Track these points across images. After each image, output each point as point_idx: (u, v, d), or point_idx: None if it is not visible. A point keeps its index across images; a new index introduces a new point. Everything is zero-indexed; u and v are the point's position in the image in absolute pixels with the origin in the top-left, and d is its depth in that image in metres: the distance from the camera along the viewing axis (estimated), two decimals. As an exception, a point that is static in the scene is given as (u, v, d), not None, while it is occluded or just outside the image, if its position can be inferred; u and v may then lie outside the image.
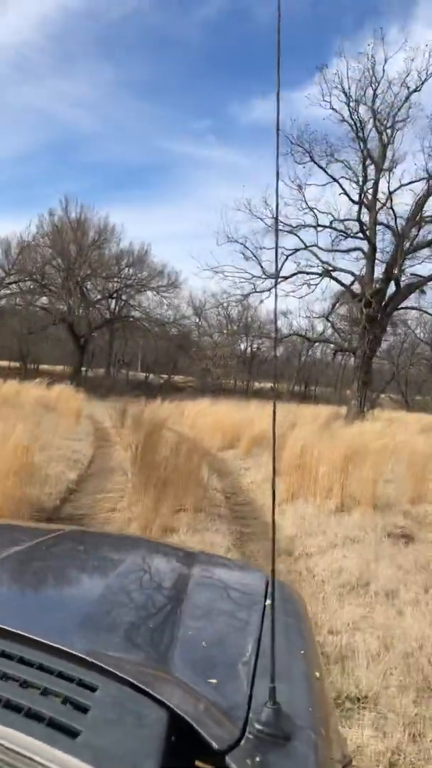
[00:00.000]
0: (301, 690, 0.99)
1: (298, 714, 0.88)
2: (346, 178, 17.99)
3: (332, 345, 22.98)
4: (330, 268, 18.12)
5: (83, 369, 43.58)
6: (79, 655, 0.88)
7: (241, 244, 18.30)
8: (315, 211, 17.98)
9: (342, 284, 17.96)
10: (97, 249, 37.87)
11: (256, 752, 0.77)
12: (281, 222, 17.75)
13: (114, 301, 40.11)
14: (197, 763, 0.75)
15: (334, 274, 18.12)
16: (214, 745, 0.75)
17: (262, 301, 18.36)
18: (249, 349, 54.57)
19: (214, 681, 0.92)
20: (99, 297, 39.22)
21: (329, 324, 22.54)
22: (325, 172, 17.77)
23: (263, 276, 17.93)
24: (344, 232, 17.75)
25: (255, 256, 18.00)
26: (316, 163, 17.68)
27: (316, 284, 18.04)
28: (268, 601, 1.21)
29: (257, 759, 0.76)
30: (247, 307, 34.12)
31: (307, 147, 17.70)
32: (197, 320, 44.10)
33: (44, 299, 38.14)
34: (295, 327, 30.40)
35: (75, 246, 37.14)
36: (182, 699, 0.83)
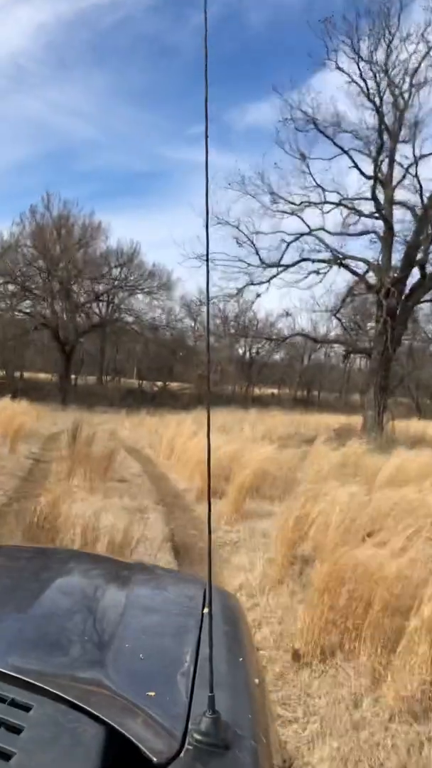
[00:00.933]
0: (240, 697, 0.98)
1: (238, 722, 0.87)
2: (358, 151, 15.38)
3: (343, 346, 20.17)
4: (340, 256, 15.43)
5: (73, 377, 40.94)
6: (12, 674, 0.87)
7: (234, 226, 15.72)
8: (321, 188, 15.28)
9: (355, 273, 15.25)
10: (82, 248, 35.18)
11: (195, 763, 0.77)
12: (283, 200, 15.14)
13: (102, 304, 37.37)
14: None
15: (344, 262, 15.36)
16: (153, 759, 0.74)
17: (259, 295, 15.67)
18: (247, 353, 52.01)
19: (152, 693, 0.92)
20: (85, 300, 36.49)
21: (338, 322, 19.77)
22: (332, 142, 15.12)
23: (261, 265, 15.28)
24: (357, 210, 15.02)
25: (250, 242, 15.32)
26: (321, 131, 15.01)
27: (325, 272, 15.29)
28: (206, 610, 1.12)
29: None
30: (245, 308, 31.43)
31: (310, 112, 15.08)
32: (192, 323, 41.48)
33: (27, 303, 35.39)
34: (296, 327, 27.79)
35: (58, 245, 34.46)
36: (120, 714, 0.82)
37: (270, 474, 7.39)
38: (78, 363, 40.61)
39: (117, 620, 1.17)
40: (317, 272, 15.39)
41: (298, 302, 70.65)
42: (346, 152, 15.13)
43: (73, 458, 7.77)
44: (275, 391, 54.54)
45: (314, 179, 15.17)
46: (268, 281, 15.17)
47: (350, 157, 15.11)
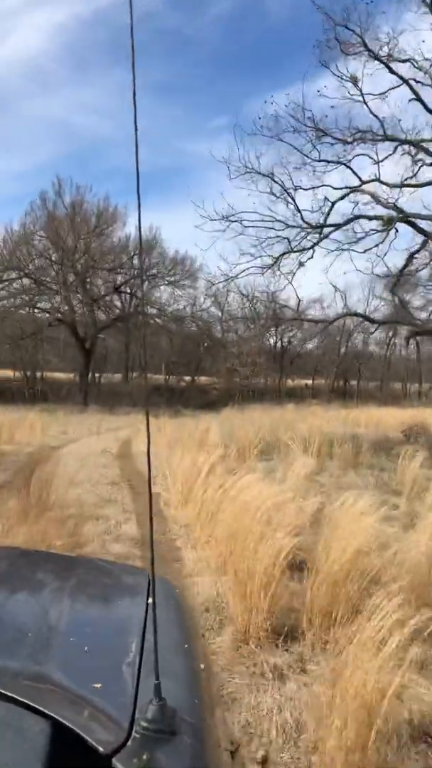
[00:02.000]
0: (186, 684, 1.00)
1: (184, 707, 0.89)
2: (418, 82, 12.16)
3: (407, 326, 16.92)
4: (400, 215, 12.23)
5: (96, 375, 38.50)
6: None
7: (267, 176, 12.30)
8: (378, 121, 11.89)
9: (422, 232, 12.02)
10: (97, 237, 32.50)
11: (143, 750, 0.78)
12: (330, 138, 11.98)
13: (123, 296, 34.67)
14: None
15: (410, 220, 12.12)
16: (100, 749, 0.75)
17: (302, 264, 12.43)
18: (279, 343, 48.86)
19: (98, 685, 0.92)
20: (103, 292, 33.83)
21: (392, 299, 16.53)
22: (387, 67, 11.82)
23: (304, 227, 12.09)
24: (427, 151, 11.71)
25: (289, 196, 12.12)
26: (372, 54, 11.73)
27: (386, 230, 11.98)
28: (150, 599, 1.15)
29: (144, 757, 0.76)
30: (277, 288, 28.00)
31: (359, 31, 11.83)
32: (219, 314, 38.53)
33: (41, 298, 32.90)
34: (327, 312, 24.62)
35: (72, 234, 31.85)
36: (66, 707, 0.83)
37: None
38: (101, 360, 38.17)
39: (61, 615, 1.17)
40: (369, 233, 12.20)
41: (335, 282, 66.66)
42: (405, 81, 11.96)
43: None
44: (308, 382, 51.36)
45: (369, 108, 11.88)
46: (312, 247, 12.08)
47: (411, 88, 11.92)
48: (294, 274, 12.52)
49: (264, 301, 25.57)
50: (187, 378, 42.15)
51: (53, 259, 31.66)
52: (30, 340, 31.98)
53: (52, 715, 0.79)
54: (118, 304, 34.93)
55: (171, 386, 41.18)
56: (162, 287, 33.47)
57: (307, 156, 11.91)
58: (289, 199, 11.69)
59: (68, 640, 1.07)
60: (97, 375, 38.60)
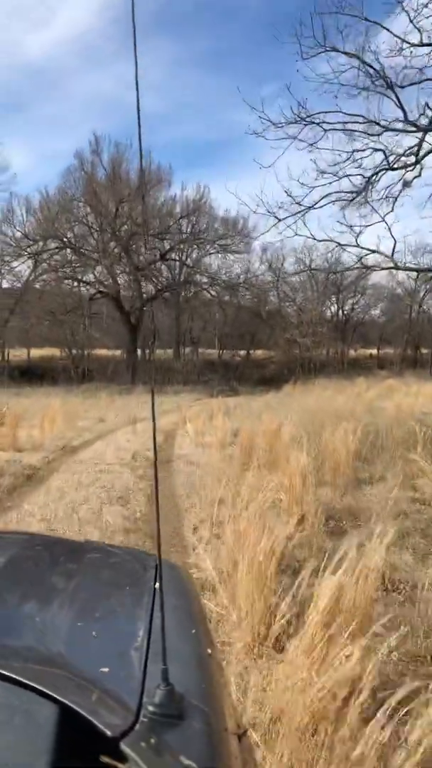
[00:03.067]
0: (193, 668, 1.01)
1: (191, 692, 0.90)
2: None
3: None
4: None
5: (146, 351, 36.04)
6: None
7: (355, 56, 8.58)
8: None
9: None
10: (140, 197, 29.52)
11: (150, 734, 0.78)
12: None
13: (170, 263, 31.74)
14: (103, 758, 0.73)
15: None
16: (108, 732, 0.75)
17: (407, 185, 8.69)
18: (340, 311, 45.02)
19: (106, 669, 0.93)
20: (148, 260, 30.97)
21: None
22: None
23: (411, 129, 8.30)
24: None
25: (385, 84, 8.44)
26: None
27: None
28: (157, 584, 1.13)
29: (152, 741, 0.77)
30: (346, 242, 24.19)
31: None
32: (275, 281, 35.08)
33: (85, 271, 30.39)
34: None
35: (112, 197, 29.03)
36: (74, 692, 0.83)
37: None
38: (148, 335, 35.64)
39: (68, 599, 1.17)
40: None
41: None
42: None
43: None
44: (372, 352, 47.38)
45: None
46: (419, 161, 8.39)
47: None
48: (395, 201, 9.07)
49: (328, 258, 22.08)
50: (242, 352, 39.06)
51: (93, 226, 28.97)
52: (72, 315, 29.60)
53: (60, 698, 0.80)
54: (166, 273, 32.00)
55: (225, 361, 38.29)
56: (212, 253, 30.19)
57: (404, 40, 8.48)
58: (386, 91, 8.22)
59: (75, 625, 1.07)
60: (147, 351, 36.19)
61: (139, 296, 30.46)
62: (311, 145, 8.97)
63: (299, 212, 9.42)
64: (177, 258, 30.99)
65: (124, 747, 0.75)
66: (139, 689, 0.88)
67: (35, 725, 0.76)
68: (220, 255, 30.12)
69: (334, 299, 43.25)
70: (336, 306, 44.18)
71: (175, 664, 0.88)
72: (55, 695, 0.80)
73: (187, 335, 37.48)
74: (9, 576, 1.30)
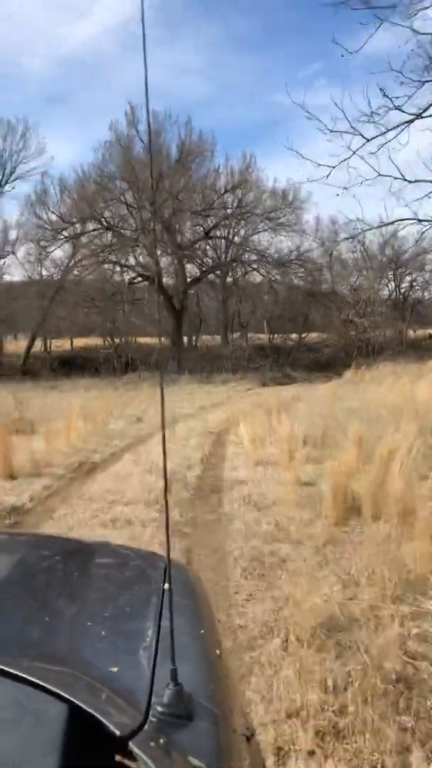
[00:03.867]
0: (202, 669, 1.01)
1: (200, 693, 0.90)
2: None
3: None
4: None
5: (193, 338, 33.95)
6: None
7: None
8: None
9: None
10: (182, 172, 27.21)
11: (159, 734, 0.78)
12: None
13: (215, 242, 29.36)
14: (117, 757, 0.74)
15: None
16: (117, 732, 0.75)
17: None
18: (397, 289, 41.63)
19: (115, 669, 0.93)
20: (192, 239, 28.68)
21: None
22: None
23: None
24: None
25: None
26: None
27: None
28: (167, 585, 1.12)
29: (161, 741, 0.77)
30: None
31: None
32: (327, 259, 32.21)
33: (124, 254, 28.38)
34: None
35: (152, 172, 26.80)
36: (83, 691, 0.84)
37: None
38: (195, 321, 33.48)
39: (78, 599, 1.18)
40: None
41: None
42: None
43: None
44: (432, 332, 43.78)
45: None
46: None
47: None
48: None
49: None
50: (293, 336, 36.36)
51: (131, 204, 26.84)
52: (111, 302, 27.67)
53: (69, 697, 0.79)
54: (211, 253, 29.64)
55: (276, 345, 35.71)
56: (261, 231, 27.59)
57: None
58: None
59: (85, 625, 1.07)
60: (193, 338, 34.07)
61: (182, 279, 28.25)
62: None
63: (399, 126, 6.93)
64: (223, 236, 28.54)
65: (132, 747, 0.75)
66: (148, 689, 0.88)
67: (45, 724, 0.75)
68: (269, 232, 27.46)
69: (391, 276, 40.01)
70: (393, 284, 40.91)
71: (184, 664, 0.88)
72: (64, 694, 0.79)
73: (235, 319, 35.09)
74: (20, 576, 1.30)
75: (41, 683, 0.81)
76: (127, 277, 27.78)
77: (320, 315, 36.72)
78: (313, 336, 37.32)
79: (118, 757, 0.73)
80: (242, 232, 28.01)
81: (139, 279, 27.45)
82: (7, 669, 0.84)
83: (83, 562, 1.42)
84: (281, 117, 57.57)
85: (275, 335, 36.46)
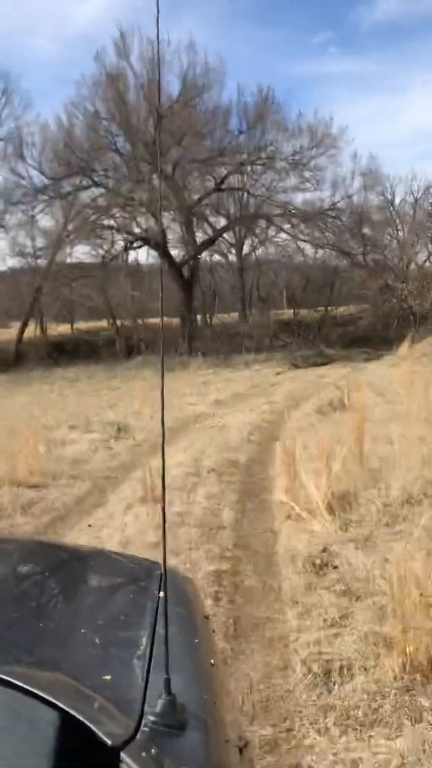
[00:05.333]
0: (195, 678, 1.00)
1: (193, 702, 0.89)
2: None
3: None
4: None
5: (206, 315, 29.25)
6: None
7: None
8: None
9: None
10: (186, 111, 22.30)
11: (151, 744, 0.77)
12: None
13: (229, 196, 24.49)
14: (105, 762, 0.74)
15: None
16: (108, 742, 0.75)
17: None
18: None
19: (108, 678, 0.92)
20: (201, 194, 23.84)
21: None
22: None
23: None
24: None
25: None
26: None
27: None
28: (161, 593, 1.15)
29: (152, 751, 0.76)
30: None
31: None
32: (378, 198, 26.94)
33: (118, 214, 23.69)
34: None
35: (150, 113, 22.02)
36: (76, 699, 0.83)
37: None
38: (207, 295, 28.74)
39: (71, 607, 1.17)
40: None
41: None
42: None
43: None
44: None
45: None
46: None
47: None
48: None
49: None
50: (321, 309, 31.31)
51: (123, 151, 22.05)
52: (106, 273, 23.04)
53: (62, 706, 0.78)
54: (224, 210, 24.74)
55: (301, 320, 30.79)
56: (283, 175, 22.59)
57: None
58: None
59: (79, 632, 1.06)
60: (206, 315, 29.36)
61: (191, 242, 23.49)
62: None
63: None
64: (238, 186, 23.62)
65: (124, 756, 0.74)
66: (140, 698, 0.87)
67: (37, 732, 0.75)
68: (294, 177, 22.45)
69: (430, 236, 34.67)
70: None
71: (178, 674, 0.87)
72: (56, 702, 0.78)
73: (253, 292, 30.26)
74: (13, 582, 1.29)
75: (34, 690, 0.80)
76: (120, 242, 23.03)
77: (347, 285, 31.84)
78: (341, 309, 32.28)
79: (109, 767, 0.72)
80: (262, 181, 23.05)
81: (139, 243, 22.73)
82: (0, 676, 0.83)
83: (78, 568, 1.39)
84: (292, 87, 53.85)
85: (299, 309, 31.54)
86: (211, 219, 24.64)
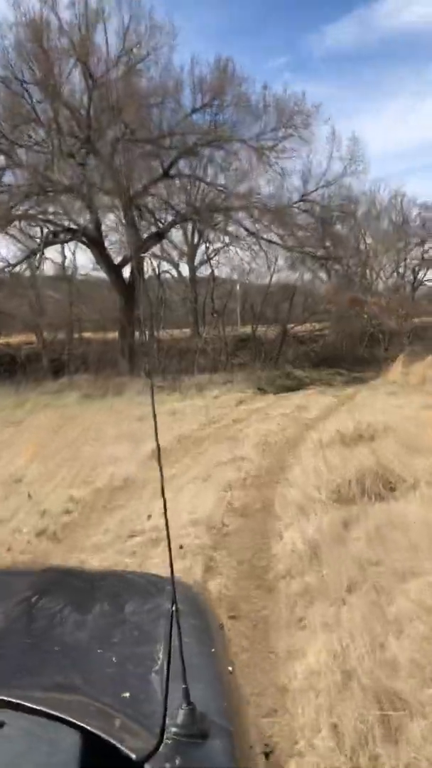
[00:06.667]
0: (214, 687, 0.99)
1: (214, 711, 0.88)
2: None
3: None
4: None
5: (152, 329, 24.93)
6: None
7: None
8: None
9: None
10: (126, 76, 18.24)
11: (175, 755, 0.78)
12: None
13: (179, 184, 20.56)
14: None
15: None
16: (132, 756, 0.75)
17: None
18: (400, 265, 33.27)
19: (127, 694, 0.93)
20: (144, 184, 19.75)
21: None
22: None
23: None
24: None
25: None
26: None
27: None
28: (174, 607, 1.09)
29: (177, 761, 0.76)
30: None
31: None
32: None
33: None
34: None
35: (82, 76, 17.89)
36: (97, 718, 0.83)
37: None
38: (155, 305, 24.55)
39: (87, 628, 1.18)
40: None
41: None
42: None
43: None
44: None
45: None
46: None
47: None
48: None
49: None
50: (281, 325, 27.50)
51: (45, 120, 17.74)
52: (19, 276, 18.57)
53: (84, 726, 0.78)
54: (176, 197, 20.66)
55: (260, 338, 26.88)
56: (245, 155, 18.81)
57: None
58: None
59: (95, 652, 1.06)
60: (153, 328, 25.03)
61: (133, 238, 19.31)
62: None
63: None
64: (190, 173, 19.64)
65: None
66: (161, 711, 0.86)
67: (61, 753, 0.74)
68: (259, 163, 18.63)
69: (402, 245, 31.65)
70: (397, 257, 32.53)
71: (196, 683, 0.86)
72: (78, 722, 0.79)
73: (207, 302, 26.26)
74: (28, 610, 1.27)
75: (55, 713, 0.79)
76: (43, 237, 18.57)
77: (309, 299, 28.41)
78: (300, 327, 28.55)
79: None
80: (219, 168, 19.15)
81: (64, 235, 18.31)
82: (18, 702, 0.82)
83: (90, 590, 1.40)
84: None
85: (258, 324, 27.65)
86: (159, 214, 20.52)
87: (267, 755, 0.99)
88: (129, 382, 17.26)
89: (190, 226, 23.20)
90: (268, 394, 15.39)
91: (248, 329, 26.61)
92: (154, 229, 19.97)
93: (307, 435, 7.85)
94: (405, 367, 15.11)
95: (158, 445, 1.02)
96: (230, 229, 19.49)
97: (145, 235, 19.74)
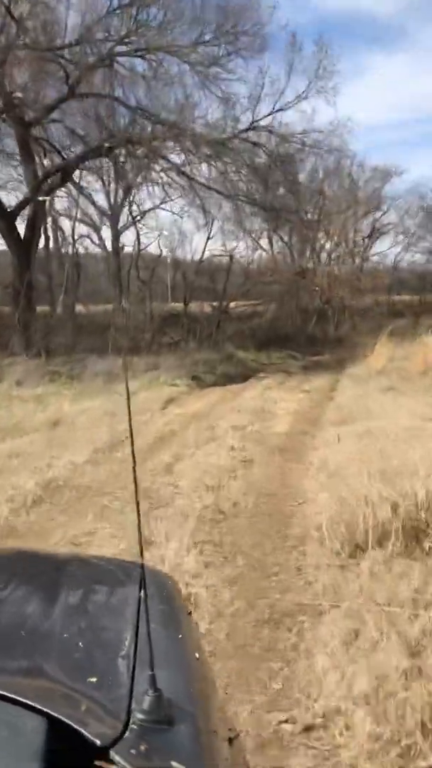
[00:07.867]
0: (181, 673, 1.00)
1: (180, 697, 0.88)
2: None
3: None
4: None
5: (62, 300, 20.19)
6: None
7: None
8: None
9: None
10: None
11: (140, 741, 0.78)
12: None
13: (89, 109, 15.96)
14: (96, 762, 0.74)
15: None
16: (97, 742, 0.75)
17: None
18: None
19: (93, 679, 0.92)
20: (44, 105, 15.02)
21: None
22: None
23: None
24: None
25: None
26: None
27: None
28: (142, 592, 1.07)
29: (142, 748, 0.77)
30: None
31: None
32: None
33: None
34: None
35: None
36: (61, 702, 0.83)
37: None
38: (68, 272, 19.85)
39: (53, 612, 1.14)
40: None
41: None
42: None
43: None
44: (410, 298, 32.46)
45: None
46: None
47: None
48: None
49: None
50: (217, 301, 23.36)
51: None
52: None
53: (48, 711, 0.78)
54: (84, 127, 16.03)
55: (193, 314, 22.73)
56: (178, 70, 14.42)
57: None
58: None
59: (62, 637, 1.05)
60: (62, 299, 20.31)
61: (30, 178, 14.68)
62: None
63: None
64: (105, 92, 15.06)
65: (114, 755, 0.74)
66: (127, 697, 0.86)
67: (24, 739, 0.74)
68: (196, 80, 14.26)
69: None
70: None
71: (163, 670, 0.86)
72: (42, 708, 0.78)
73: (132, 267, 21.85)
74: None
75: (18, 698, 0.79)
76: None
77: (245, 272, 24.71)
78: (234, 303, 24.54)
79: (99, 767, 0.71)
80: (143, 85, 14.69)
81: None
82: None
83: (56, 574, 1.36)
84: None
85: (189, 298, 23.38)
86: (65, 147, 15.84)
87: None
88: (20, 364, 12.77)
89: (112, 178, 18.69)
90: (208, 385, 11.31)
91: (180, 306, 22.45)
92: (58, 160, 15.26)
93: (295, 484, 3.87)
94: (389, 350, 11.40)
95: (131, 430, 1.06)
96: (157, 170, 15.04)
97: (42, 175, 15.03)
